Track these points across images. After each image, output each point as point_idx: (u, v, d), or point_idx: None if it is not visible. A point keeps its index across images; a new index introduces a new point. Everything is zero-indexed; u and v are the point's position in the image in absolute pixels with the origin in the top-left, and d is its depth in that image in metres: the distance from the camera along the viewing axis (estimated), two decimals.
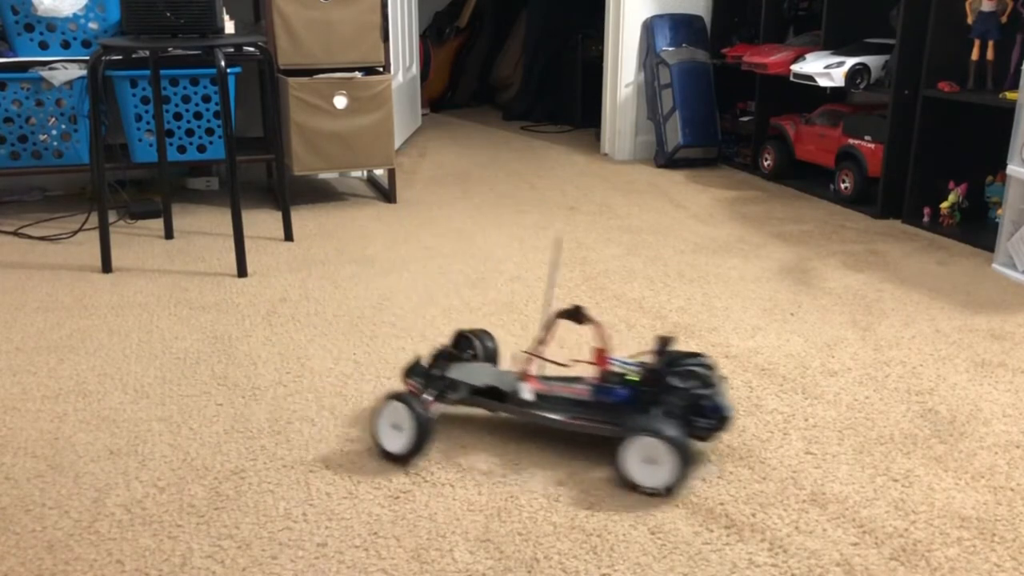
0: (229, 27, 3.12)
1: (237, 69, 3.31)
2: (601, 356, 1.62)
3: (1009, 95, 2.68)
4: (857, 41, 3.42)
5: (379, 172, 3.78)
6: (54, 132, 3.12)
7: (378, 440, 1.58)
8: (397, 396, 1.56)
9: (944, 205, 3.05)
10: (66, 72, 3.03)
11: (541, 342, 1.63)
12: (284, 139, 3.19)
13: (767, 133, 3.89)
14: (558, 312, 1.60)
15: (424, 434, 1.54)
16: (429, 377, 1.68)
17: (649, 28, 4.14)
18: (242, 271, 2.59)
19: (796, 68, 3.46)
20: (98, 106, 2.51)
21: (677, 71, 4.05)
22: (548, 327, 1.63)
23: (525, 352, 1.74)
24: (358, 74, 3.22)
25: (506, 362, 1.90)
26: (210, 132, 3.27)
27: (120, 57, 2.98)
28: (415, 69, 4.80)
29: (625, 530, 1.38)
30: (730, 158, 4.18)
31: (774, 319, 2.25)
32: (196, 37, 2.50)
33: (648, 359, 1.61)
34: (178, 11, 2.45)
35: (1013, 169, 2.58)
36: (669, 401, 1.53)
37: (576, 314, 1.58)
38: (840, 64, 3.27)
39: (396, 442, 1.55)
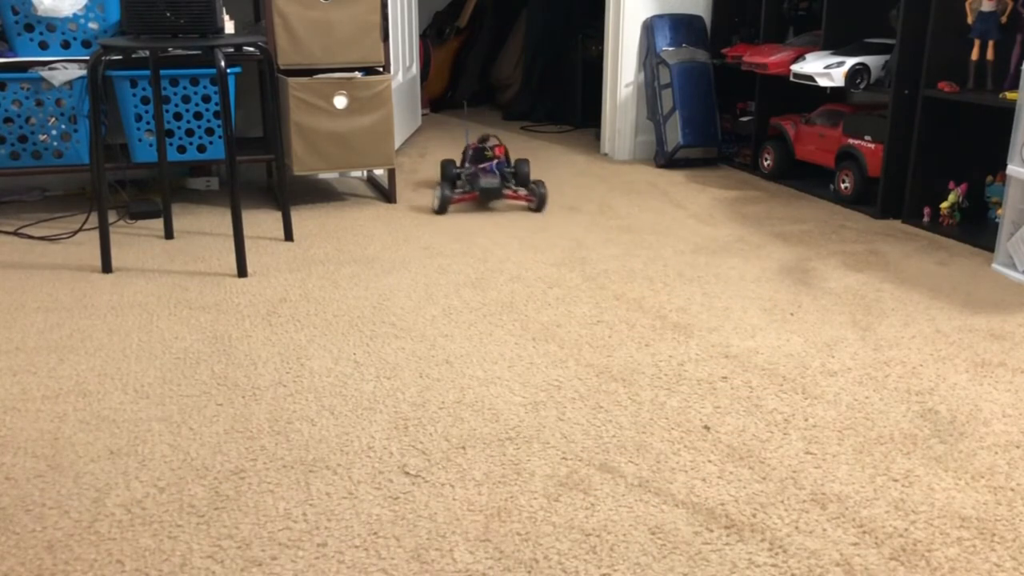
0: (229, 27, 3.12)
1: (237, 69, 3.31)
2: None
3: (1009, 95, 2.68)
4: (857, 41, 3.42)
5: (379, 172, 3.78)
6: (54, 132, 3.12)
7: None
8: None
9: (944, 205, 3.05)
10: (66, 72, 3.03)
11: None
12: (284, 139, 3.19)
13: (767, 133, 3.89)
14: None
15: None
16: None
17: (649, 28, 4.14)
18: (242, 271, 2.59)
19: (796, 68, 3.46)
20: (98, 106, 2.51)
21: (677, 71, 4.05)
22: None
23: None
24: (358, 74, 3.22)
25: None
26: (210, 132, 3.27)
27: (120, 57, 2.98)
28: (415, 69, 4.80)
29: (625, 530, 1.38)
30: (730, 158, 4.18)
31: (774, 319, 2.25)
32: (196, 37, 2.50)
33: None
34: (178, 11, 2.45)
35: (1013, 169, 2.58)
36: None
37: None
38: (840, 64, 3.27)
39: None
